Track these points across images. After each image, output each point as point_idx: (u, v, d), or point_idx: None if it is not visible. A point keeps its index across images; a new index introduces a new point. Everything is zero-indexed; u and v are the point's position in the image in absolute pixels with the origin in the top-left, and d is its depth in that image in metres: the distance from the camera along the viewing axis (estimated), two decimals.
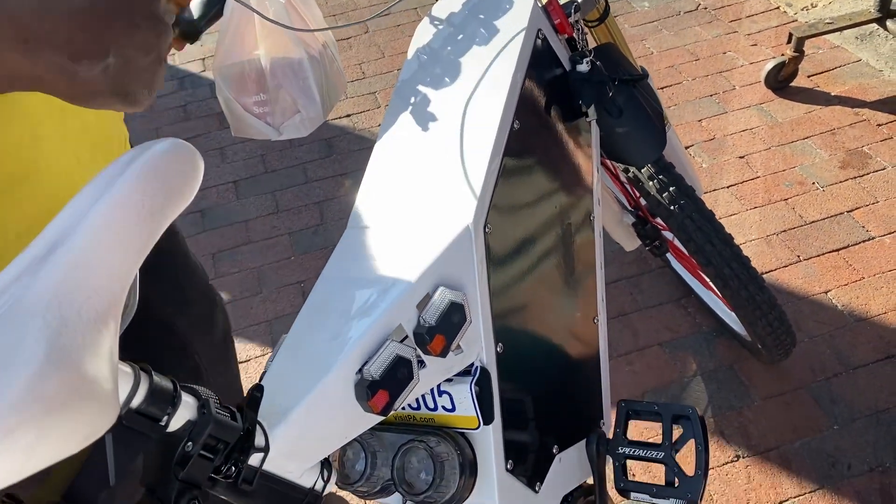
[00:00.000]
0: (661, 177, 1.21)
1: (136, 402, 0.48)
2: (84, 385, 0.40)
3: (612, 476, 0.86)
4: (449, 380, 0.73)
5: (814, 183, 2.18)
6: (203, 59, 3.16)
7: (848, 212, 2.07)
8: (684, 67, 2.70)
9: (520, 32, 0.83)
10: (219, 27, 0.90)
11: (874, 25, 2.47)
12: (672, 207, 1.21)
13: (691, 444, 0.84)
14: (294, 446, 0.60)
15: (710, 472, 1.54)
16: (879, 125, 2.35)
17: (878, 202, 2.09)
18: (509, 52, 0.82)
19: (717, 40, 2.80)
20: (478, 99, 0.80)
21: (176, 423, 0.51)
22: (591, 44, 1.07)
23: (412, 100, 0.85)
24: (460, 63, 0.85)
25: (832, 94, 2.50)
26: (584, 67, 0.90)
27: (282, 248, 2.23)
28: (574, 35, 0.95)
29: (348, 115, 2.70)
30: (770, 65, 2.48)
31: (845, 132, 2.34)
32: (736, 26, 2.85)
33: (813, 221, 2.06)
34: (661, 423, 0.86)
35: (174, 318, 1.03)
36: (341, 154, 2.55)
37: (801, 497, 1.48)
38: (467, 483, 0.73)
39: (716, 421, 1.63)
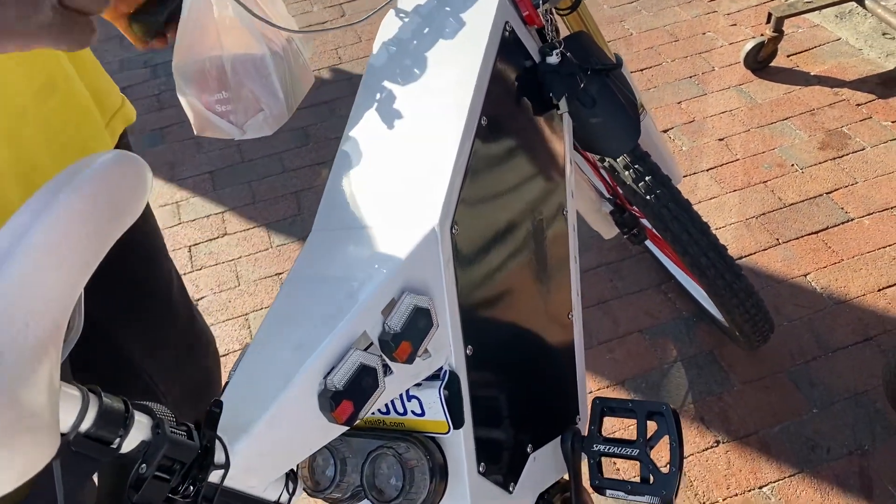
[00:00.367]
0: (636, 166, 1.19)
1: (84, 426, 0.46)
2: (20, 419, 0.38)
3: (587, 473, 0.86)
4: (418, 384, 0.72)
5: (793, 165, 2.17)
6: None
7: (827, 193, 2.07)
8: (663, 49, 2.68)
9: (487, 25, 0.81)
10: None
11: (853, 4, 2.46)
12: (648, 197, 1.20)
13: (666, 440, 0.84)
14: (256, 461, 0.58)
15: (691, 458, 1.55)
16: (859, 105, 2.34)
17: (857, 183, 2.09)
18: (476, 47, 0.80)
19: (697, 21, 2.78)
20: (444, 95, 0.78)
21: (129, 444, 0.49)
22: (564, 32, 1.05)
23: (377, 96, 0.83)
24: (426, 58, 0.83)
25: (812, 73, 2.49)
26: (553, 59, 0.88)
27: (259, 239, 2.21)
28: (544, 25, 0.93)
29: (325, 102, 2.67)
30: (749, 45, 2.47)
31: (825, 112, 2.34)
32: (715, 6, 2.83)
33: (792, 204, 2.05)
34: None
35: (143, 361, 1.01)
36: (318, 142, 2.52)
37: (780, 481, 1.48)
38: (438, 488, 0.72)
39: (696, 406, 1.63)
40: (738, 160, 2.22)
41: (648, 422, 0.85)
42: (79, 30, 0.50)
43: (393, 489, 0.70)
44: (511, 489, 0.81)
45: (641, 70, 2.60)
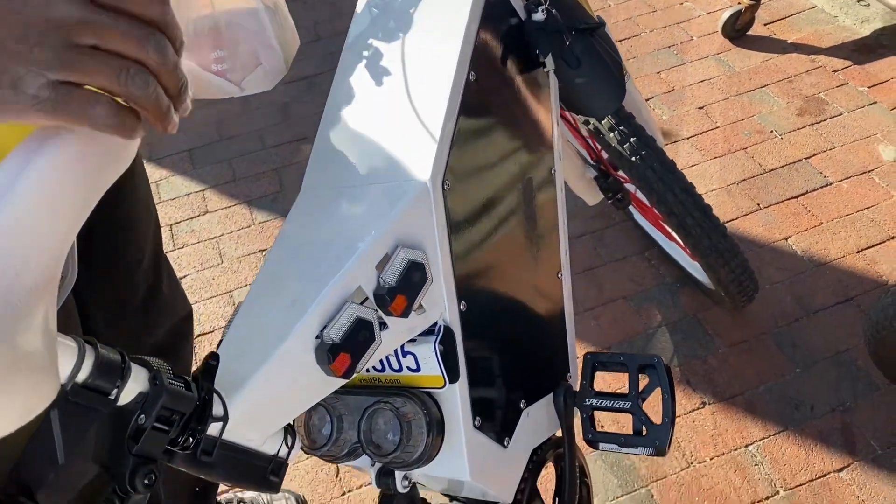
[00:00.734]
0: (621, 128, 1.19)
1: (81, 377, 0.46)
2: (19, 359, 0.37)
3: (580, 428, 0.86)
4: (412, 340, 0.72)
5: (772, 131, 2.19)
6: None
7: (806, 158, 2.09)
8: (641, 19, 2.68)
9: None
10: None
11: None
12: (633, 158, 1.20)
13: (657, 393, 0.85)
14: (254, 414, 0.58)
15: (678, 419, 1.56)
16: (835, 71, 2.36)
17: (834, 148, 2.11)
18: (462, 3, 0.79)
19: None
20: (431, 51, 0.78)
21: (126, 396, 0.49)
22: None
23: (363, 54, 0.82)
24: (412, 14, 0.82)
25: (788, 41, 2.50)
26: (539, 16, 0.88)
27: (241, 216, 2.19)
28: None
29: (304, 78, 2.64)
30: (727, 14, 2.47)
31: (802, 79, 2.35)
32: None
33: (772, 169, 2.07)
34: (627, 377, 0.86)
35: (106, 330, 1.00)
36: (298, 119, 2.49)
37: (766, 440, 1.51)
38: (435, 442, 0.72)
39: (681, 370, 1.65)
40: (718, 128, 2.23)
41: (640, 375, 0.86)
42: (92, 109, 0.42)
43: (390, 444, 0.71)
44: (506, 444, 0.82)
45: (620, 41, 2.60)
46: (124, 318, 1.05)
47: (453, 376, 0.72)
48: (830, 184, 2.01)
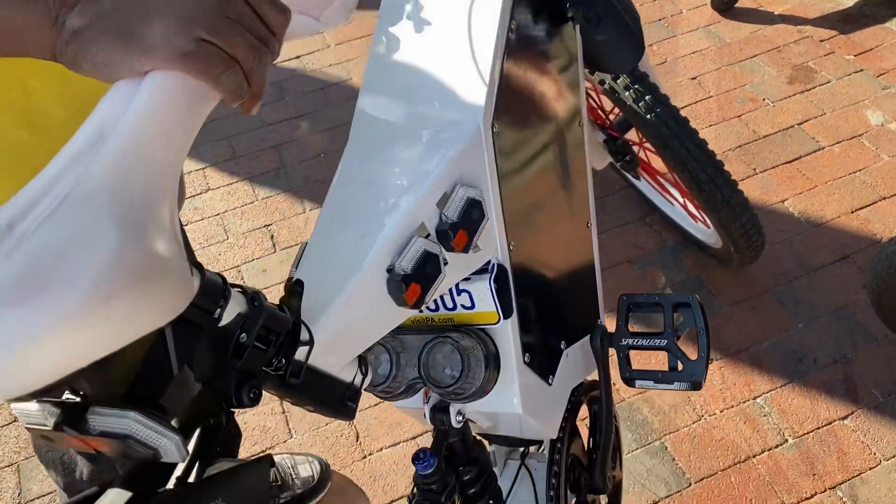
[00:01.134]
0: (636, 86, 1.23)
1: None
2: (163, 258, 0.40)
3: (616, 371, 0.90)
4: (466, 279, 0.75)
5: (764, 99, 2.24)
6: None
7: (798, 125, 2.14)
8: None
9: None
10: None
11: None
12: (649, 116, 1.24)
13: (691, 333, 0.88)
14: (334, 340, 0.61)
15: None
16: (822, 41, 2.42)
17: (825, 114, 2.16)
18: None
19: None
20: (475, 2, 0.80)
21: (227, 316, 0.51)
22: None
23: (405, 6, 0.84)
24: None
25: (775, 13, 2.55)
26: None
27: (243, 193, 2.20)
28: None
29: (297, 57, 2.64)
30: None
31: (790, 49, 2.41)
32: None
33: (766, 136, 2.12)
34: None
35: None
36: (294, 96, 2.50)
37: (773, 391, 1.56)
38: (492, 375, 0.75)
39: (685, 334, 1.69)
40: (711, 97, 2.27)
41: (674, 314, 0.89)
42: (224, 72, 0.47)
43: (449, 377, 0.74)
44: (550, 381, 0.85)
45: None
46: None
47: (507, 312, 0.75)
48: (823, 148, 2.07)
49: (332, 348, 0.61)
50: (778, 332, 1.66)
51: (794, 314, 1.69)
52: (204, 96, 0.50)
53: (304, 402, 0.60)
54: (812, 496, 1.41)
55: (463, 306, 0.77)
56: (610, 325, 0.92)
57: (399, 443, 1.57)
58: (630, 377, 0.90)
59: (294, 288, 0.58)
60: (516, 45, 0.81)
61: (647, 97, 1.23)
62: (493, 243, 0.75)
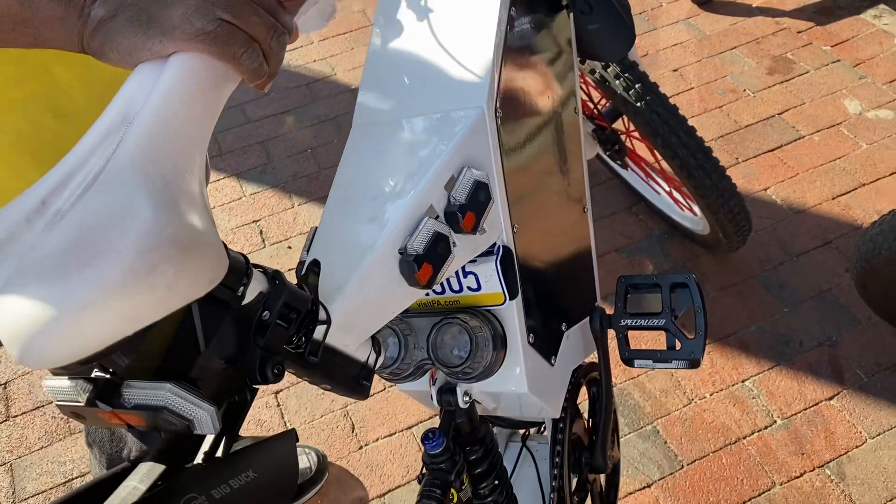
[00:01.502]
0: (626, 75, 1.25)
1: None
2: (199, 230, 0.41)
3: (615, 351, 0.92)
4: (473, 261, 0.76)
5: (745, 90, 2.28)
6: None
7: (779, 114, 2.18)
8: None
9: None
10: None
11: None
12: (639, 104, 1.26)
13: (689, 312, 0.90)
14: (350, 320, 0.62)
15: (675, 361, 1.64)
16: (799, 32, 2.46)
17: (804, 103, 2.21)
18: None
19: None
20: None
21: (250, 294, 0.52)
22: None
23: None
24: None
25: (754, 5, 2.59)
26: None
27: (231, 189, 2.20)
28: None
29: None
30: None
31: (769, 40, 2.45)
32: None
33: (748, 125, 2.16)
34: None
35: None
36: (279, 92, 2.50)
37: (760, 374, 1.59)
38: (499, 355, 0.77)
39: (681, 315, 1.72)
40: (693, 88, 2.31)
41: (671, 295, 0.91)
42: (244, 52, 0.48)
43: (457, 358, 0.75)
44: (553, 361, 0.87)
45: None
46: None
47: (513, 292, 0.77)
48: (803, 137, 2.11)
49: (347, 328, 0.62)
50: (764, 317, 1.69)
51: (779, 299, 1.72)
52: (225, 76, 0.51)
53: (322, 380, 0.61)
54: (801, 475, 1.44)
55: (469, 288, 0.78)
56: (606, 309, 0.93)
57: (394, 433, 1.58)
58: (629, 357, 0.92)
59: (311, 268, 0.59)
60: (516, 31, 0.82)
61: (637, 85, 1.26)
62: (498, 226, 0.76)
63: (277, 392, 1.68)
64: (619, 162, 1.59)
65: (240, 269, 0.51)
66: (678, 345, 0.90)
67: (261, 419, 1.64)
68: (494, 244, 0.77)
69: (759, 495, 1.42)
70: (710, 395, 1.57)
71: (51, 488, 1.57)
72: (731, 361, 1.62)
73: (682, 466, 1.47)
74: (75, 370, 0.47)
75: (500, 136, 0.76)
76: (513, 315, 0.79)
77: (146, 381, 0.45)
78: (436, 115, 0.75)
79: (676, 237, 1.88)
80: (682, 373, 1.61)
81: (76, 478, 1.58)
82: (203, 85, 0.49)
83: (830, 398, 1.54)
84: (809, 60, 2.35)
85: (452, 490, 0.80)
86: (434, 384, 0.82)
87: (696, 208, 1.58)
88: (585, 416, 1.04)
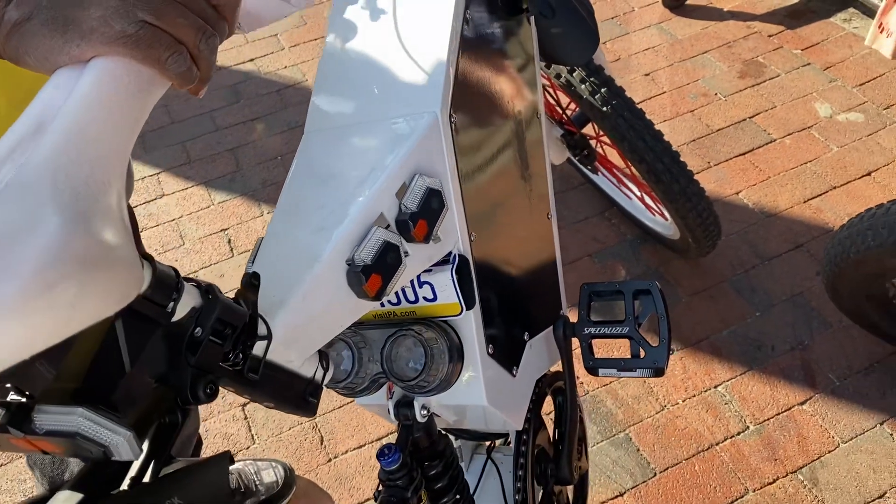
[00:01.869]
0: (592, 79, 1.23)
1: (142, 288, 0.46)
2: (110, 246, 0.38)
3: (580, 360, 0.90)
4: (428, 270, 0.74)
5: (716, 94, 2.28)
6: None
7: (750, 118, 2.18)
8: None
9: None
10: None
11: None
12: (605, 108, 1.25)
13: (653, 319, 0.89)
14: (294, 335, 0.60)
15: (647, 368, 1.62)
16: (770, 36, 2.47)
17: (776, 107, 2.21)
18: None
19: None
20: None
21: (181, 310, 0.50)
22: None
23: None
24: None
25: (725, 9, 2.60)
26: None
27: (199, 197, 2.16)
28: None
29: (251, 60, 2.61)
30: None
31: (740, 44, 2.45)
32: None
33: (719, 129, 2.16)
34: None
35: None
36: (249, 99, 2.47)
37: (733, 380, 1.58)
38: (456, 367, 0.74)
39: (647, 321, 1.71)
40: (665, 93, 2.30)
41: (634, 302, 0.90)
42: (170, 56, 0.45)
43: (412, 371, 0.73)
44: (514, 372, 0.85)
45: None
46: None
47: (470, 302, 0.75)
48: (774, 140, 2.11)
49: (291, 343, 0.60)
50: (736, 321, 1.69)
51: (751, 303, 1.72)
52: (151, 81, 0.48)
53: (263, 398, 0.59)
54: (774, 481, 1.43)
55: (425, 298, 0.76)
56: (572, 317, 0.91)
57: (364, 445, 1.55)
58: (593, 366, 0.90)
59: (250, 281, 0.56)
60: (472, 35, 0.80)
61: (602, 89, 1.24)
62: (453, 234, 0.74)
63: (244, 405, 1.65)
64: (588, 167, 1.57)
65: (169, 283, 0.49)
66: (642, 353, 0.88)
67: (227, 432, 1.60)
68: (451, 253, 0.75)
69: (733, 502, 1.41)
70: (683, 401, 1.56)
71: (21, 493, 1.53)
72: (704, 367, 1.61)
73: (655, 474, 1.46)
74: None
75: (454, 142, 0.74)
76: (470, 326, 0.77)
77: (58, 406, 0.42)
78: (388, 120, 0.73)
79: (649, 242, 1.87)
80: (654, 379, 1.60)
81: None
82: (125, 90, 0.46)
83: (803, 403, 1.54)
84: (780, 64, 2.36)
85: None
86: (391, 398, 0.79)
87: (666, 213, 1.57)
88: (552, 427, 1.02)
